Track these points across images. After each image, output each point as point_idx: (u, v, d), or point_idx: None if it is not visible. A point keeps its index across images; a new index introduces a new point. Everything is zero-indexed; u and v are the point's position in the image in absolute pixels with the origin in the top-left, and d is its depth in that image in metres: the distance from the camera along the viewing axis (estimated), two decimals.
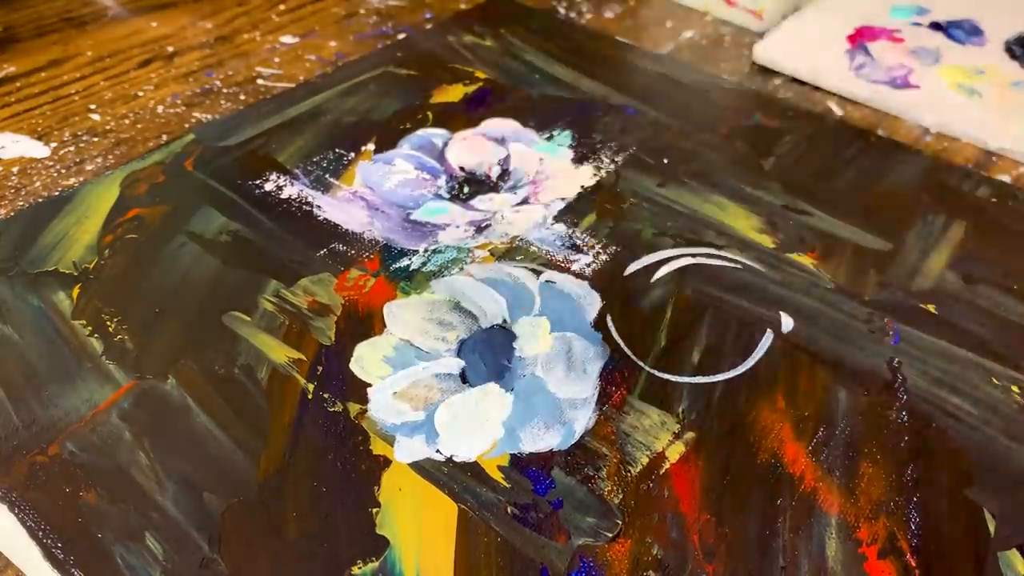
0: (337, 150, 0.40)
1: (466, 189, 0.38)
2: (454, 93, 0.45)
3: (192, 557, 0.24)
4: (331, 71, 0.47)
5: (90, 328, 0.31)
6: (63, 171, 0.39)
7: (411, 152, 0.40)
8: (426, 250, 0.34)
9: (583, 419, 0.28)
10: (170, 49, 0.48)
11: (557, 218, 0.36)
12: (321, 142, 0.41)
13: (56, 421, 0.28)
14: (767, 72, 0.49)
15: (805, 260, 0.34)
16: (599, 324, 0.31)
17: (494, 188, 0.38)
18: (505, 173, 0.39)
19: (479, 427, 0.27)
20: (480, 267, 0.34)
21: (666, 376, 0.29)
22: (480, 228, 0.36)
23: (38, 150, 0.40)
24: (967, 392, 0.29)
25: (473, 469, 0.26)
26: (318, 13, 0.53)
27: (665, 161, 0.40)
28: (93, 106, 0.43)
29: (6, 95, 0.44)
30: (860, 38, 0.50)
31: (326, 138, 0.41)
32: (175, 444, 0.27)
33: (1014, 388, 0.29)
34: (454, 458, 0.27)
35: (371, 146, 0.40)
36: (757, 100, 0.45)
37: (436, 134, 0.41)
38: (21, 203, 0.37)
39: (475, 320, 0.31)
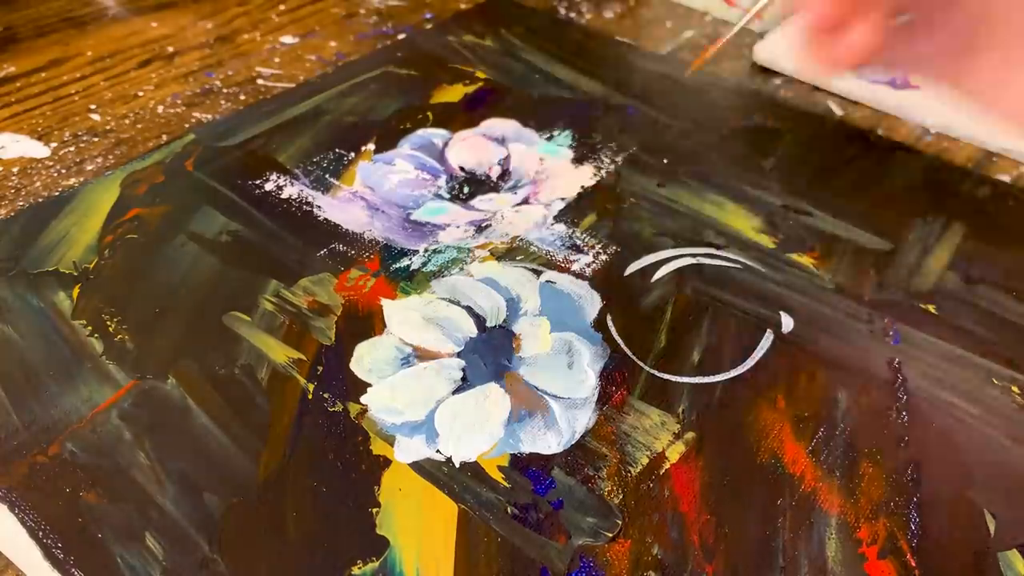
0: (337, 150, 0.40)
1: (466, 189, 0.38)
2: (454, 93, 0.45)
3: (192, 557, 0.24)
4: (331, 71, 0.46)
5: (90, 328, 0.31)
6: (63, 171, 0.39)
7: (411, 152, 0.40)
8: (426, 250, 0.34)
9: (583, 419, 0.28)
10: (170, 49, 0.48)
11: (557, 218, 0.36)
12: (321, 142, 0.41)
13: (56, 421, 0.28)
14: (767, 72, 0.49)
15: (805, 260, 0.34)
16: (599, 324, 0.31)
17: (494, 188, 0.38)
18: (505, 173, 0.39)
19: (479, 427, 0.27)
20: (480, 267, 0.34)
21: (666, 376, 0.29)
22: (480, 228, 0.36)
23: (38, 150, 0.40)
24: (967, 392, 0.29)
25: (473, 469, 0.26)
26: (318, 13, 0.53)
27: (665, 161, 0.40)
28: (93, 106, 0.43)
29: (6, 95, 0.44)
30: None
31: (326, 138, 0.41)
32: (175, 444, 0.27)
33: (1014, 388, 0.29)
34: (454, 458, 0.27)
35: (371, 146, 0.40)
36: (757, 100, 0.45)
37: (436, 134, 0.41)
38: (21, 203, 0.37)
39: (475, 320, 0.31)
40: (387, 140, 0.41)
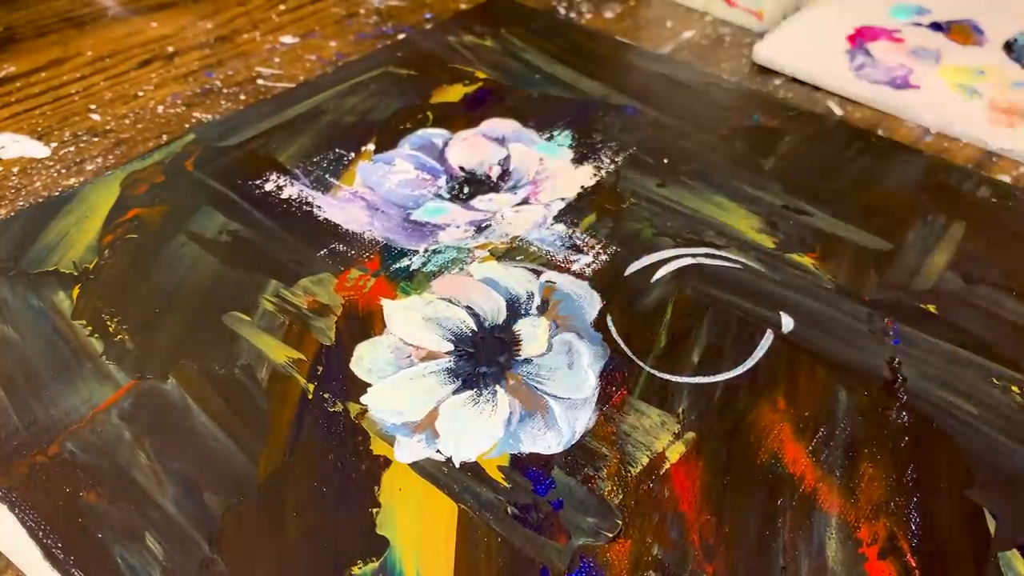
0: (337, 150, 0.40)
1: (466, 189, 0.38)
2: (454, 93, 0.45)
3: (192, 557, 0.24)
4: (331, 71, 0.47)
5: (90, 328, 0.31)
6: (63, 171, 0.39)
7: (411, 152, 0.40)
8: (426, 250, 0.34)
9: (583, 419, 0.28)
10: (170, 49, 0.48)
11: (557, 218, 0.36)
12: (321, 142, 0.41)
13: (56, 421, 0.27)
14: (767, 72, 0.49)
15: (805, 260, 0.34)
16: (599, 324, 0.31)
17: (494, 188, 0.38)
18: (505, 173, 0.39)
19: (479, 427, 0.27)
20: (480, 267, 0.34)
21: (666, 376, 0.29)
22: (480, 228, 0.36)
23: (38, 150, 0.40)
24: (967, 392, 0.29)
25: (473, 469, 0.26)
26: (318, 13, 0.53)
27: (665, 161, 0.40)
28: (93, 106, 0.43)
29: (6, 95, 0.44)
30: (860, 38, 0.50)
31: (326, 138, 0.41)
32: (175, 444, 0.27)
33: (1014, 388, 0.29)
34: (454, 458, 0.27)
35: (371, 146, 0.40)
36: (757, 100, 0.45)
37: (436, 134, 0.41)
38: (21, 203, 0.37)
39: (475, 320, 0.31)
40: (387, 140, 0.41)
